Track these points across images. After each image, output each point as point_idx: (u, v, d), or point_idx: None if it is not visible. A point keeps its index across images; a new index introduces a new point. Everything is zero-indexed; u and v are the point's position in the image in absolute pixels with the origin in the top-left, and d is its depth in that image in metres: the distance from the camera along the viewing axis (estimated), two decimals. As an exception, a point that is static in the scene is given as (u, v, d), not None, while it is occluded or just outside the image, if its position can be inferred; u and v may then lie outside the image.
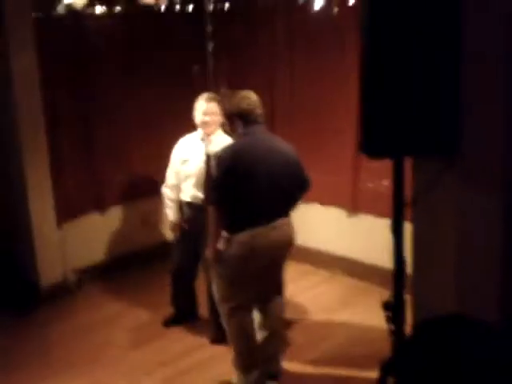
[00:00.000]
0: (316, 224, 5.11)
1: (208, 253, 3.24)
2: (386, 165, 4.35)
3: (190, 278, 4.06)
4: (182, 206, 3.96)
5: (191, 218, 3.85)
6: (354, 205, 4.74)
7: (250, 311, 3.31)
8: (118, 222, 5.22)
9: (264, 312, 3.40)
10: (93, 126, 4.88)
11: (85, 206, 4.95)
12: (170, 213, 3.97)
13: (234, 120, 3.22)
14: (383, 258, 4.30)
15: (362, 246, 4.77)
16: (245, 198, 3.09)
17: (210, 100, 3.76)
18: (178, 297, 4.13)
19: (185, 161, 3.87)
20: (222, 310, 3.29)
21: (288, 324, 3.88)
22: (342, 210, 4.87)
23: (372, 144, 2.05)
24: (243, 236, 3.10)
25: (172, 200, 3.96)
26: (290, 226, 3.27)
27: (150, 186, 5.19)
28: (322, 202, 5.01)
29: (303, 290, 4.64)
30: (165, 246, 4.79)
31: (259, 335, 3.44)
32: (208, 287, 3.67)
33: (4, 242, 4.70)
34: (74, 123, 4.78)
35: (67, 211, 4.79)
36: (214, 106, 3.75)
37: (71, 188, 4.82)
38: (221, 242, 3.14)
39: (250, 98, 3.21)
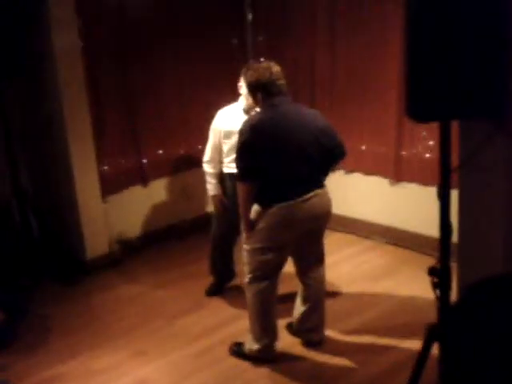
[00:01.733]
0: (359, 194, 5.09)
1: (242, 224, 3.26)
2: (429, 130, 4.30)
3: (229, 246, 4.11)
4: (223, 178, 3.97)
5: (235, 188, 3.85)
6: (397, 173, 4.68)
7: (273, 285, 3.30)
8: (160, 194, 5.30)
9: (304, 283, 3.43)
10: (137, 101, 4.91)
11: (128, 180, 5.04)
12: (212, 188, 3.98)
13: (256, 93, 3.18)
14: (427, 226, 4.29)
15: (406, 215, 4.73)
16: (271, 173, 3.07)
17: None
18: (216, 265, 4.20)
19: (229, 133, 3.79)
20: (247, 278, 3.32)
21: (330, 293, 3.89)
22: (384, 179, 4.83)
23: (418, 107, 2.00)
24: (274, 210, 3.10)
25: (212, 175, 3.96)
26: (324, 196, 3.24)
27: (190, 159, 5.24)
28: (365, 172, 4.98)
29: (346, 259, 4.65)
30: (206, 218, 4.85)
31: (300, 310, 3.47)
32: None
33: (51, 216, 4.84)
34: (118, 97, 4.83)
35: (111, 185, 4.89)
36: None
37: (115, 162, 4.91)
38: (253, 213, 3.16)
39: (271, 68, 3.15)
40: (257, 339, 3.35)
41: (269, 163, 3.06)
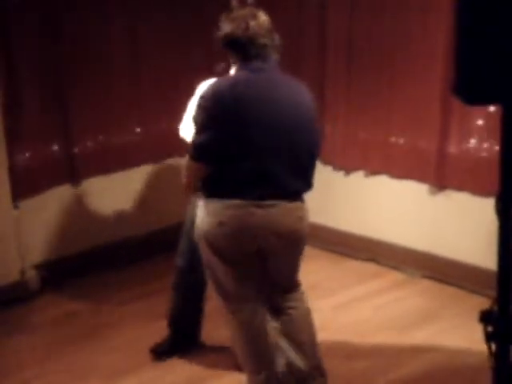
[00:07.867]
0: (385, 205, 5.14)
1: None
2: (488, 117, 4.35)
3: (203, 288, 4.03)
4: None
5: None
6: (441, 177, 4.75)
7: (259, 307, 3.39)
8: (98, 199, 5.30)
9: (283, 312, 3.46)
10: (68, 69, 4.97)
11: (52, 177, 5.04)
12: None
13: (230, 51, 3.26)
14: (481, 254, 4.33)
15: (452, 237, 4.80)
16: (228, 159, 3.16)
17: None
18: (179, 317, 4.14)
19: None
20: (225, 307, 3.42)
21: (343, 346, 3.93)
22: (422, 185, 4.90)
23: (473, 83, 2.03)
24: (217, 206, 3.17)
25: None
26: (294, 213, 3.29)
27: (143, 149, 5.26)
28: (394, 174, 5.06)
29: (365, 298, 4.70)
30: (166, 232, 4.87)
31: (286, 354, 3.47)
32: None
33: None
34: (41, 64, 4.87)
35: (27, 184, 4.90)
36: None
37: (34, 152, 4.93)
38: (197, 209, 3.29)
39: (251, 19, 3.20)
40: (255, 373, 3.39)
41: (228, 146, 3.14)
